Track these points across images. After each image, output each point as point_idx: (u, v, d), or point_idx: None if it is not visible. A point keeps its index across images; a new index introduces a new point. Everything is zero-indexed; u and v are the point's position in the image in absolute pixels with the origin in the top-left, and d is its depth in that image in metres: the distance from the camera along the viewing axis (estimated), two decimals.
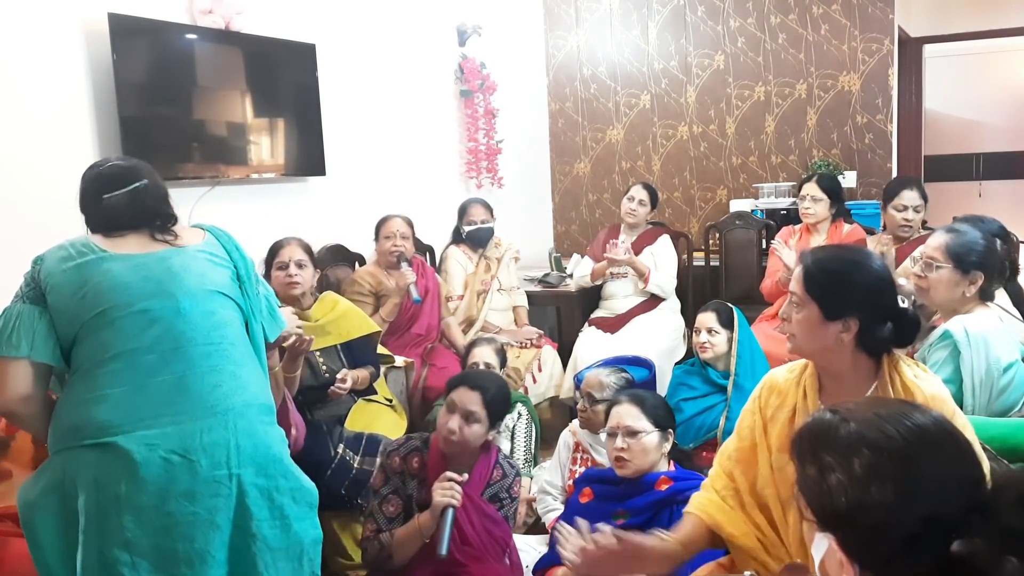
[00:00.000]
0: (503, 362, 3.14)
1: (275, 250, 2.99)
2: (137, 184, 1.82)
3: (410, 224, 3.64)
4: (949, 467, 0.95)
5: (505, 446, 2.99)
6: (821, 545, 0.97)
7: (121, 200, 1.79)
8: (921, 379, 1.58)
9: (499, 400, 2.25)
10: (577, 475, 2.59)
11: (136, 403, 1.63)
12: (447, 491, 2.07)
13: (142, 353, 1.65)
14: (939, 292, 2.34)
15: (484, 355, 3.08)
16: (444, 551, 2.00)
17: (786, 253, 3.74)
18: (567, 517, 2.18)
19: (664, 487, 2.05)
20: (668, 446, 2.17)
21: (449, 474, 2.11)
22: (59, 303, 1.66)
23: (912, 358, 2.40)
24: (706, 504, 1.72)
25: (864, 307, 1.55)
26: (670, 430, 2.18)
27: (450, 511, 2.04)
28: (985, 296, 2.32)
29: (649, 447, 2.10)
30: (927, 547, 0.91)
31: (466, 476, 2.14)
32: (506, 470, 2.29)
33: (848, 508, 0.93)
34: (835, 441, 0.97)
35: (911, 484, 0.93)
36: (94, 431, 1.61)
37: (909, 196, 3.53)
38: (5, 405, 1.64)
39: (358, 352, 3.00)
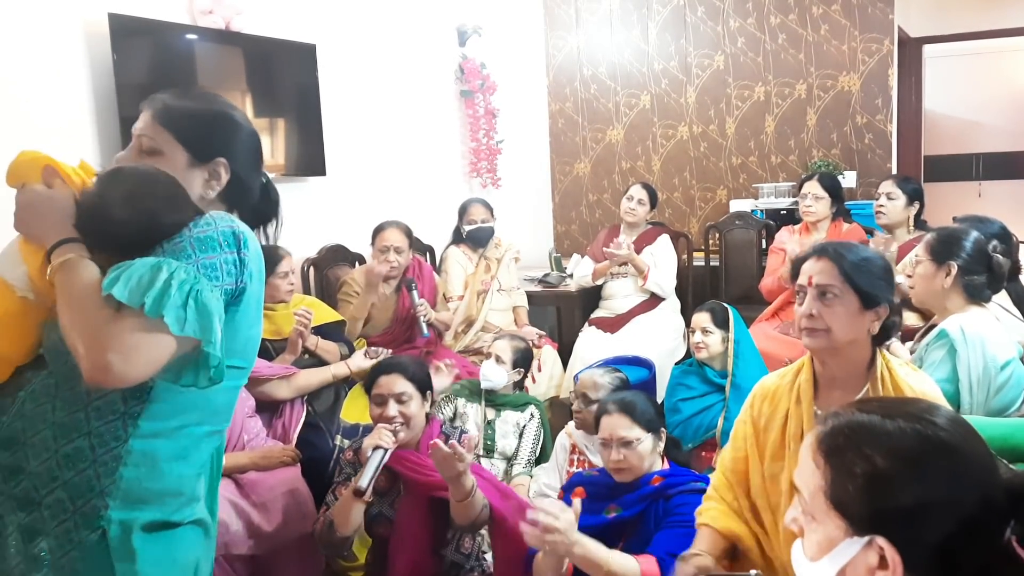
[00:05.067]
0: (520, 361, 3.11)
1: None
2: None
3: (407, 233, 3.53)
4: (987, 453, 0.96)
5: (512, 443, 2.99)
6: (846, 552, 0.94)
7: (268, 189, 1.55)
8: (911, 377, 1.61)
9: (419, 371, 2.33)
10: (575, 473, 2.59)
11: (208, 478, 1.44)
12: (375, 435, 2.13)
13: (224, 436, 1.45)
14: (920, 286, 2.39)
15: (498, 347, 3.11)
16: (364, 484, 2.02)
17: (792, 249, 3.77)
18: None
19: (657, 484, 2.06)
20: (662, 445, 2.18)
21: (382, 424, 2.18)
22: (240, 324, 1.35)
23: (909, 356, 2.43)
24: (718, 515, 1.73)
25: (888, 297, 1.62)
26: (662, 430, 2.19)
27: (380, 452, 2.08)
28: (974, 294, 2.32)
29: (644, 453, 2.12)
30: (983, 533, 0.91)
31: (402, 434, 2.18)
32: (448, 433, 2.36)
33: (910, 501, 0.91)
34: (884, 436, 0.95)
35: (966, 469, 0.93)
36: (197, 507, 1.38)
37: (884, 184, 3.68)
38: (128, 380, 1.20)
39: (330, 336, 3.16)
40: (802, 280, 1.66)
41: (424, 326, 3.41)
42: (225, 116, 1.44)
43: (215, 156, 1.39)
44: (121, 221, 1.26)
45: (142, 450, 1.27)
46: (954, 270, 2.30)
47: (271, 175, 3.57)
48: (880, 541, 0.92)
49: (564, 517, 1.69)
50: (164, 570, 1.30)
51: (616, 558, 1.76)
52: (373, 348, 3.15)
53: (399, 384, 2.25)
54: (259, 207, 1.51)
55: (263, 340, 2.85)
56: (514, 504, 2.23)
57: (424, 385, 2.32)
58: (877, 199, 3.65)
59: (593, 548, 1.72)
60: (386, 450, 2.10)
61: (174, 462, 1.31)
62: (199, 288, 1.22)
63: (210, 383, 1.27)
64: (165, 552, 1.30)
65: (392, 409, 2.22)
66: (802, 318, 1.63)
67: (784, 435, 1.65)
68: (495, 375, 3.02)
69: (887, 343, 1.70)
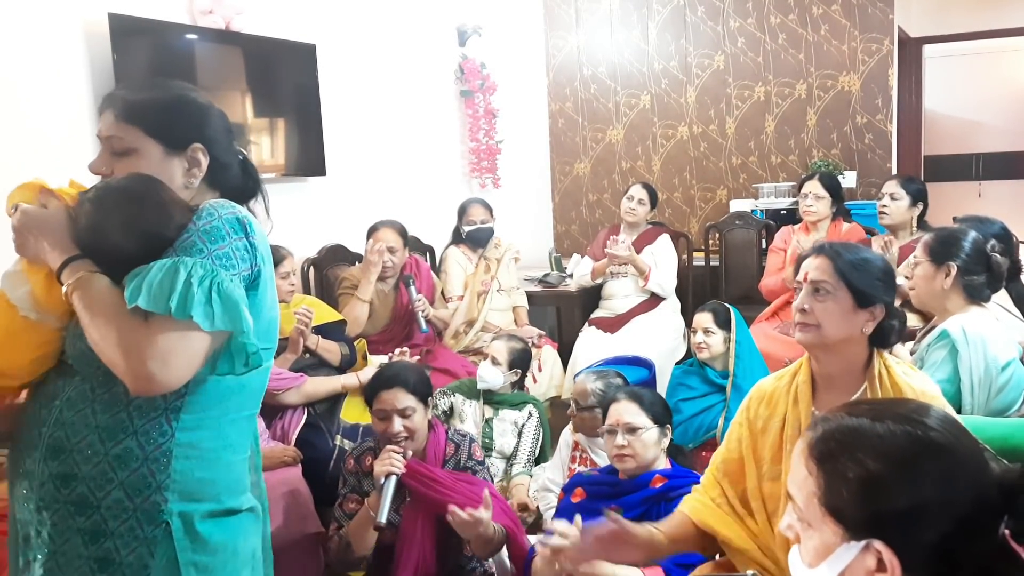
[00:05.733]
0: (517, 362, 3.11)
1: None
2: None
3: (402, 233, 3.52)
4: (979, 450, 0.97)
5: (510, 442, 3.00)
6: (844, 557, 0.94)
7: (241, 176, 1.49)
8: (910, 376, 1.62)
9: (419, 381, 2.29)
10: (576, 472, 2.60)
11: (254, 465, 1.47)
12: (386, 461, 2.11)
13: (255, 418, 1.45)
14: (920, 287, 2.39)
15: (494, 349, 3.11)
16: (383, 518, 2.02)
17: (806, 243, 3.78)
18: (559, 519, 2.18)
19: (658, 484, 2.06)
20: (667, 442, 2.19)
21: (391, 446, 2.16)
22: (260, 307, 1.35)
23: (910, 357, 2.43)
24: (697, 506, 1.74)
25: (885, 298, 1.62)
26: (668, 426, 2.20)
27: (392, 479, 2.07)
28: (974, 294, 2.32)
29: (649, 443, 2.12)
30: (979, 530, 0.91)
31: (411, 453, 2.17)
32: (457, 441, 2.35)
33: (905, 503, 0.91)
34: (875, 439, 0.95)
35: (958, 467, 0.93)
36: (248, 494, 1.41)
37: (888, 185, 3.66)
38: (169, 385, 1.23)
39: (330, 335, 3.15)
40: (800, 276, 1.68)
41: (422, 321, 3.41)
42: (189, 100, 1.41)
43: (190, 142, 1.37)
44: (125, 249, 1.27)
45: (189, 442, 1.29)
46: (953, 271, 2.30)
47: (271, 175, 3.62)
48: (877, 544, 0.91)
49: (573, 534, 1.68)
50: (226, 558, 1.33)
51: (622, 572, 1.76)
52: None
53: (402, 399, 2.21)
54: (241, 185, 1.47)
55: None
56: (518, 525, 2.25)
57: (425, 394, 2.30)
58: (880, 199, 3.64)
59: (600, 565, 1.72)
60: (398, 475, 2.09)
61: (221, 450, 1.33)
62: (219, 280, 1.23)
63: (248, 369, 1.29)
64: (226, 540, 1.32)
65: (397, 425, 2.20)
66: (795, 312, 1.65)
67: (782, 437, 1.66)
68: (491, 376, 3.03)
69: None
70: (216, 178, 1.42)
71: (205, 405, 1.31)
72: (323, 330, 3.10)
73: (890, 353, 1.69)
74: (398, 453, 2.13)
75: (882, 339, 1.63)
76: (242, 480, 1.38)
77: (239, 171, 1.47)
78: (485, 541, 2.06)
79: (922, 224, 3.63)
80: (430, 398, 2.33)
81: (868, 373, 1.62)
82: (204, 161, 1.38)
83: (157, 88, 1.42)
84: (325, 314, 3.16)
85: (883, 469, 0.93)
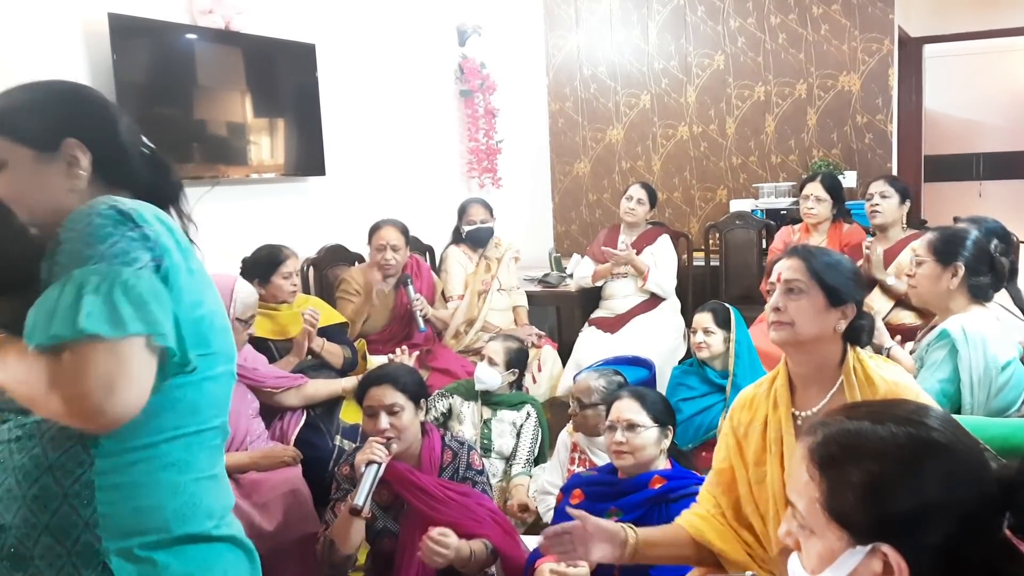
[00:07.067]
0: (513, 362, 3.10)
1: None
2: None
3: (404, 232, 3.53)
4: (978, 448, 0.97)
5: (509, 443, 3.00)
6: (849, 562, 0.93)
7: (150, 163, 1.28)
8: (883, 369, 1.64)
9: (411, 380, 2.27)
10: (574, 474, 2.59)
11: (227, 490, 1.30)
12: (367, 450, 2.09)
13: (225, 430, 1.29)
14: (923, 287, 2.39)
15: (490, 350, 3.10)
16: (360, 501, 2.00)
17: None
18: (557, 522, 2.18)
19: (657, 485, 2.06)
20: (667, 443, 2.19)
21: (374, 438, 2.14)
22: (175, 308, 1.13)
23: (910, 358, 2.44)
24: (693, 518, 1.75)
25: (856, 297, 1.64)
26: (669, 427, 2.20)
27: (373, 467, 2.05)
28: (978, 295, 2.32)
29: (648, 441, 2.12)
30: (983, 528, 0.91)
31: (395, 447, 2.15)
32: (455, 449, 2.32)
33: (910, 504, 0.90)
34: (878, 442, 0.94)
35: (961, 466, 0.93)
36: (218, 520, 1.23)
37: (875, 185, 3.65)
38: (129, 411, 1.06)
39: (332, 337, 3.14)
40: (773, 278, 1.70)
41: (420, 321, 3.41)
42: (55, 92, 1.26)
43: (62, 138, 1.19)
44: None
45: (114, 468, 1.13)
46: (961, 271, 2.30)
47: (271, 175, 3.61)
48: (884, 548, 0.91)
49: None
50: None
51: None
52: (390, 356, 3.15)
53: (389, 395, 2.20)
54: (152, 181, 1.25)
55: (266, 341, 2.90)
56: (515, 539, 2.24)
57: (416, 394, 2.26)
58: (869, 199, 3.63)
59: None
60: (380, 464, 2.07)
61: (161, 472, 1.16)
62: (121, 279, 1.05)
63: (182, 370, 1.14)
64: (190, 572, 1.17)
65: (383, 421, 2.18)
66: (770, 312, 1.67)
67: (764, 440, 1.67)
68: (488, 377, 3.03)
69: (887, 349, 1.71)
70: (116, 175, 1.22)
71: (129, 428, 1.10)
72: (325, 332, 3.09)
73: (888, 355, 1.70)
74: (381, 443, 2.11)
75: (855, 338, 1.65)
76: (198, 503, 1.19)
77: (146, 165, 1.26)
78: (462, 564, 2.06)
79: (920, 222, 3.64)
80: (423, 400, 2.30)
81: (843, 368, 1.64)
82: (84, 157, 1.20)
83: (21, 90, 1.26)
84: (328, 316, 3.16)
85: (887, 472, 0.92)
